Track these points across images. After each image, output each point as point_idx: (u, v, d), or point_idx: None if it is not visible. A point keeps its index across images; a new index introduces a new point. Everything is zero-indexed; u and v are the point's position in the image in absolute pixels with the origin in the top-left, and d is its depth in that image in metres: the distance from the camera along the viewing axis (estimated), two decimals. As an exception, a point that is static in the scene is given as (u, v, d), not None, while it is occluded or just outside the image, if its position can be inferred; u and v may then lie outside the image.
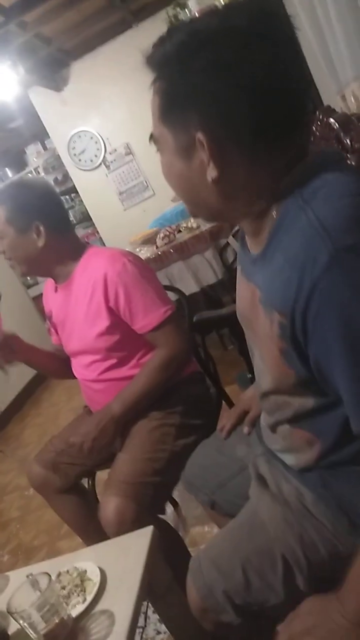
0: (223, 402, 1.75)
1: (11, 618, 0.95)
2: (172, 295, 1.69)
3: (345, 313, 0.61)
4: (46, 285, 1.64)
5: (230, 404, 1.72)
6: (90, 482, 1.75)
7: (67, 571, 1.03)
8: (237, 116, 0.66)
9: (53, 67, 4.42)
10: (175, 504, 2.03)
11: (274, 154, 0.70)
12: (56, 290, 1.56)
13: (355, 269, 0.60)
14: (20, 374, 4.53)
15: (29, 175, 5.89)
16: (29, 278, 6.84)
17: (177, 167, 0.74)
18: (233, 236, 2.90)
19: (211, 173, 0.70)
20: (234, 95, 0.65)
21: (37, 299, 5.69)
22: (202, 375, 1.69)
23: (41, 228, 1.43)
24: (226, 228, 3.03)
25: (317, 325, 0.64)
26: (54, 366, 1.70)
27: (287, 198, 0.69)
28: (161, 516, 1.44)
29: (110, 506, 1.28)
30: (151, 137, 0.77)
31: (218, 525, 1.26)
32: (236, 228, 2.92)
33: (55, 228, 1.45)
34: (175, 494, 1.99)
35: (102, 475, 1.74)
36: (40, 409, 4.35)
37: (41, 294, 1.71)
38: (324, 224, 0.63)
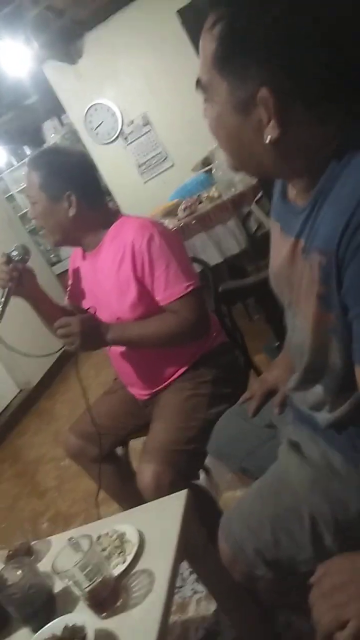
0: (252, 371, 1.77)
1: (56, 578, 1.01)
2: (196, 267, 1.69)
3: None
4: (75, 250, 1.65)
5: (259, 373, 1.74)
6: (124, 450, 1.80)
7: (107, 534, 1.07)
8: (311, 72, 0.61)
9: (66, 40, 4.35)
10: (207, 471, 2.08)
11: (339, 111, 0.65)
12: (84, 257, 1.57)
13: None
14: (49, 351, 4.62)
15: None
16: (52, 256, 6.91)
17: (229, 121, 0.69)
18: (256, 203, 2.87)
19: (270, 133, 0.65)
20: (313, 48, 0.60)
21: (61, 276, 5.74)
22: (231, 345, 1.70)
23: (73, 197, 1.43)
24: (249, 196, 3.00)
25: (357, 255, 0.62)
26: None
27: (349, 150, 0.65)
28: (195, 482, 1.48)
29: (147, 473, 1.32)
30: (198, 82, 0.71)
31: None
32: (259, 195, 2.88)
33: (87, 199, 1.46)
34: (207, 461, 2.02)
35: (134, 444, 1.79)
36: (69, 384, 4.44)
37: (65, 271, 1.72)
38: None
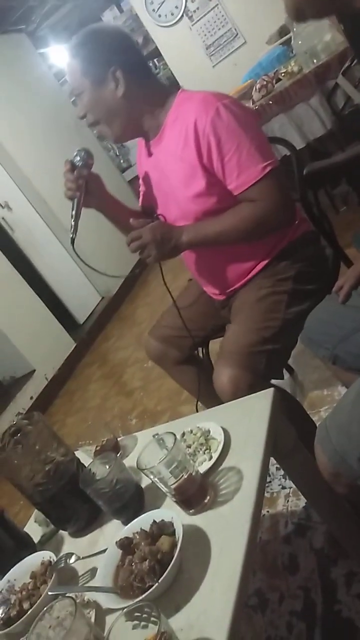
0: (341, 263, 1.60)
1: (142, 474, 1.00)
2: (277, 150, 1.50)
3: None
4: (138, 146, 1.51)
5: (350, 265, 1.57)
6: (204, 350, 1.76)
7: (191, 431, 1.04)
8: None
9: None
10: (291, 370, 2.01)
11: None
12: (149, 152, 1.43)
13: None
14: (127, 259, 4.64)
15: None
16: (122, 161, 6.72)
17: None
18: (343, 74, 2.50)
19: None
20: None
21: (133, 182, 5.59)
22: (316, 234, 1.53)
23: (118, 73, 1.28)
24: (334, 66, 2.62)
25: None
26: None
27: None
28: (278, 382, 1.40)
29: (224, 377, 1.26)
30: None
31: (341, 381, 1.20)
32: (348, 63, 2.50)
33: (134, 71, 1.30)
34: (290, 361, 1.95)
35: (215, 345, 1.73)
36: (149, 289, 4.48)
37: (136, 177, 1.58)
38: None
